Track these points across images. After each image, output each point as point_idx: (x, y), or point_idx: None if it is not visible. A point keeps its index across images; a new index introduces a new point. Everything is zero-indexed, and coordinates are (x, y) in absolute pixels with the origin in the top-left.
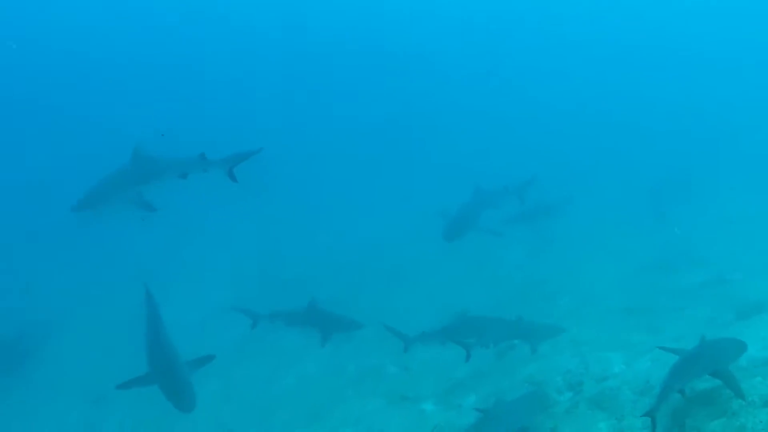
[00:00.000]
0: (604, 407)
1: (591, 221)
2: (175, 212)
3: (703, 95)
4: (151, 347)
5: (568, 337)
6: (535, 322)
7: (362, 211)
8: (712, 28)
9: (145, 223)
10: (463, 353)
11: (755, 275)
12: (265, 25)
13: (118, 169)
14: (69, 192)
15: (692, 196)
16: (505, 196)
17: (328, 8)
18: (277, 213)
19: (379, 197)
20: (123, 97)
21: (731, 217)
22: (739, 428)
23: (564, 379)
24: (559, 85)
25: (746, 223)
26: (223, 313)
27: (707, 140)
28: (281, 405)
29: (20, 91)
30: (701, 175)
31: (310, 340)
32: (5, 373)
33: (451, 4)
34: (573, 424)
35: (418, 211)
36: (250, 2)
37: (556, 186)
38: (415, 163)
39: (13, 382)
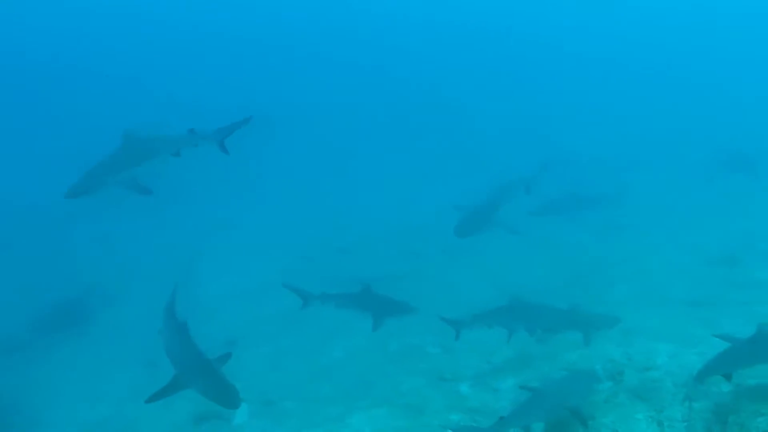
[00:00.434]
0: (644, 398)
1: (661, 210)
2: (231, 181)
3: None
4: (181, 349)
5: (620, 326)
6: (589, 311)
7: (424, 184)
8: None
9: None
10: (506, 336)
11: None
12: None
13: (110, 153)
14: None
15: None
16: (520, 189)
17: None
18: (339, 183)
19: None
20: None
21: None
22: None
23: (605, 368)
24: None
25: None
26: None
27: None
28: (324, 378)
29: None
30: None
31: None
32: (65, 330)
33: None
34: (611, 414)
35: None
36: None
37: (607, 177)
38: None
39: (72, 339)
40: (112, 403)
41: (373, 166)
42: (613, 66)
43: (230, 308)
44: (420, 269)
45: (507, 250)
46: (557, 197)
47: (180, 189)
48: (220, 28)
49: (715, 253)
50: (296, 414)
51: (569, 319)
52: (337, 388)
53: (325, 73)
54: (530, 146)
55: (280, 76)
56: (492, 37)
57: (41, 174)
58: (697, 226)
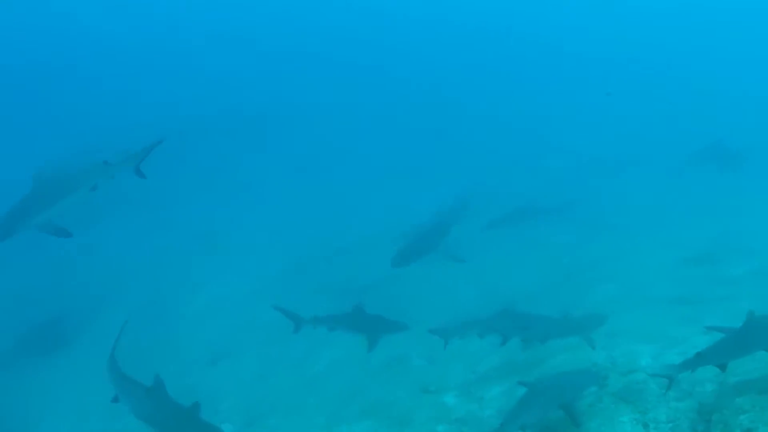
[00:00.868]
0: (629, 401)
1: (643, 209)
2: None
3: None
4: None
5: (603, 329)
6: (579, 314)
7: (416, 187)
8: None
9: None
10: (495, 344)
11: None
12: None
13: (22, 197)
14: None
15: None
16: (464, 213)
17: None
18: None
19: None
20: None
21: None
22: None
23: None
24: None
25: None
26: (266, 289)
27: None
28: (309, 390)
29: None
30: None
31: None
32: (39, 355)
33: None
34: (596, 418)
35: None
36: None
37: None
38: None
39: (54, 358)
40: (98, 420)
41: (367, 168)
42: (603, 65)
43: (215, 320)
44: (403, 274)
45: (489, 253)
46: (508, 211)
47: (162, 196)
48: (214, 29)
49: (694, 251)
50: (281, 428)
51: (564, 325)
52: (322, 400)
53: (324, 74)
54: (520, 146)
55: (275, 77)
56: (491, 37)
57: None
58: (677, 225)
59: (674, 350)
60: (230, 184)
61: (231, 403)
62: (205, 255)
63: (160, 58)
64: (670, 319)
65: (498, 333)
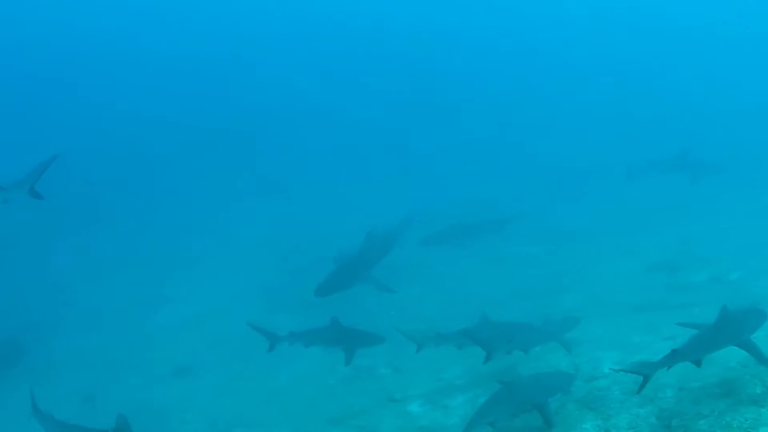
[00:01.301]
0: (592, 407)
1: (607, 217)
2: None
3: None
4: None
5: (568, 336)
6: (554, 319)
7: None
8: None
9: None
10: (457, 353)
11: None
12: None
13: None
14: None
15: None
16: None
17: None
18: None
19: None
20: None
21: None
22: (725, 427)
23: None
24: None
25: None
26: (231, 303)
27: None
28: (273, 402)
29: None
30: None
31: None
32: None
33: None
34: (560, 425)
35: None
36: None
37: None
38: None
39: (7, 378)
40: None
41: (351, 174)
42: (579, 76)
43: (179, 335)
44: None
45: (454, 265)
46: (446, 227)
47: (130, 209)
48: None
49: (655, 259)
50: None
51: (544, 332)
52: (287, 412)
53: (312, 80)
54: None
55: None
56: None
57: None
58: (639, 233)
59: (637, 357)
60: (203, 198)
61: (195, 416)
62: (174, 269)
63: (151, 64)
64: (632, 327)
65: (480, 344)
